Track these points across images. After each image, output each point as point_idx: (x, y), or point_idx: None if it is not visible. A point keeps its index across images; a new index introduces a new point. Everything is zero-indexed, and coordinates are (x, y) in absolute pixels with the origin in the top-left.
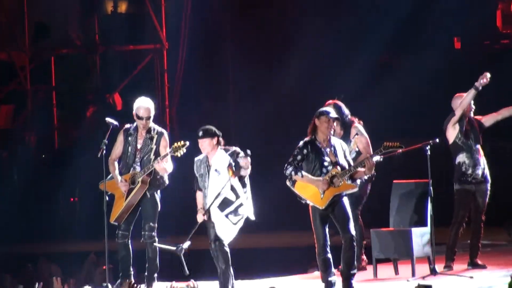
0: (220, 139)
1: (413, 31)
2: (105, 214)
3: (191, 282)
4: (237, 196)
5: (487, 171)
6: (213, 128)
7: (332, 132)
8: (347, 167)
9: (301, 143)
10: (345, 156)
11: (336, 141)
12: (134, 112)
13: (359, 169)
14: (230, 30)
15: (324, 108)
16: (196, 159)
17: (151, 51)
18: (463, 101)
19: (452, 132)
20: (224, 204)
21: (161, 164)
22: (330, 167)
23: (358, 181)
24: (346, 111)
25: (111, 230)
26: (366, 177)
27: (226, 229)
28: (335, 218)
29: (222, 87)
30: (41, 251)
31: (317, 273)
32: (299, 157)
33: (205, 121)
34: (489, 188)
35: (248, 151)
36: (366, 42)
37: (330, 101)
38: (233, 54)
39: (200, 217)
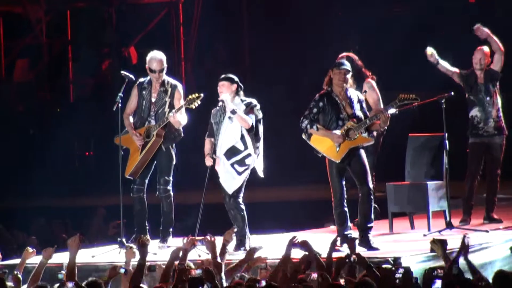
0: (240, 89)
1: None
2: (120, 168)
3: (209, 236)
4: (246, 147)
5: (502, 124)
6: (235, 77)
7: (345, 84)
8: (363, 119)
9: (317, 95)
10: (361, 108)
11: (353, 93)
12: (146, 65)
13: (375, 121)
14: None
15: (339, 60)
16: (214, 109)
17: (167, 4)
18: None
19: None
20: (232, 152)
21: (175, 117)
22: (346, 120)
23: (375, 133)
24: (359, 63)
25: (126, 184)
26: (382, 130)
27: (230, 179)
28: (352, 171)
29: (238, 39)
30: (56, 205)
31: (333, 227)
32: (315, 110)
33: (220, 74)
34: (504, 141)
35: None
36: None
37: (344, 54)
38: (248, 4)
39: (208, 162)
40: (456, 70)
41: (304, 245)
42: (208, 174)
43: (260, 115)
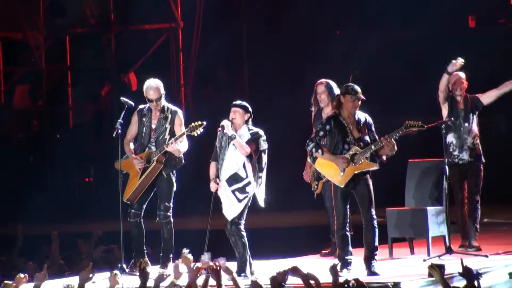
0: (250, 119)
1: (427, 9)
2: (120, 193)
3: (214, 263)
4: (247, 175)
5: (479, 152)
6: (249, 107)
7: (356, 110)
8: (370, 143)
9: (324, 118)
10: (370, 132)
11: (361, 116)
12: (144, 95)
13: (380, 146)
14: (245, 8)
15: (351, 85)
16: (219, 132)
17: (166, 30)
18: (439, 85)
19: (444, 112)
20: (234, 179)
21: (174, 145)
22: (352, 144)
23: (384, 158)
24: (338, 91)
25: (126, 210)
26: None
27: (230, 205)
28: (357, 196)
29: (237, 65)
30: (57, 231)
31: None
32: (321, 133)
33: (220, 99)
34: (481, 168)
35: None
36: (378, 19)
37: (322, 80)
38: (248, 32)
39: (213, 187)
40: (447, 90)
41: (295, 271)
42: (213, 199)
43: (265, 146)
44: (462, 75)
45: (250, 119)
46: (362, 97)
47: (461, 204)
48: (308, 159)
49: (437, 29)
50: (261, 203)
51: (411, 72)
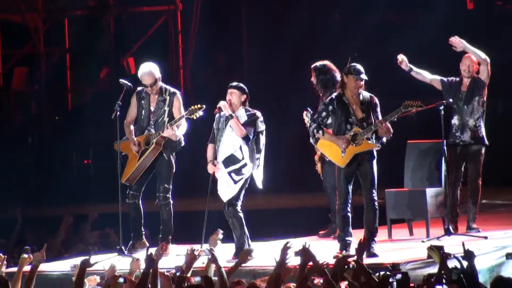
0: (247, 101)
1: None
2: (119, 175)
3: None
4: (243, 156)
5: (480, 134)
6: (246, 88)
7: (359, 90)
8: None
9: (328, 99)
10: (374, 112)
11: (367, 96)
12: (140, 79)
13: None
14: None
15: (354, 65)
16: (218, 115)
17: (165, 12)
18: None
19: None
20: (230, 161)
21: (170, 130)
22: (354, 124)
23: (384, 139)
24: (336, 73)
25: (125, 192)
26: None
27: (226, 187)
28: (360, 175)
29: (236, 47)
30: (56, 213)
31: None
32: (323, 114)
33: (219, 82)
34: (482, 151)
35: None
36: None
37: (320, 62)
38: (247, 13)
39: (210, 168)
40: (436, 77)
41: (305, 252)
42: (211, 180)
43: (263, 127)
44: (473, 57)
45: (247, 101)
46: (365, 77)
47: (454, 186)
48: (311, 140)
49: (436, 11)
50: (259, 184)
51: (410, 55)
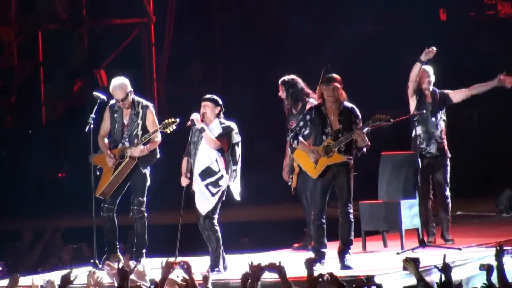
0: (221, 113)
1: (399, 2)
2: (93, 189)
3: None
4: (219, 169)
5: (445, 146)
6: (220, 100)
7: (336, 97)
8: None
9: (307, 109)
10: (352, 125)
11: (347, 108)
12: (111, 94)
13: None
14: (217, 2)
15: (329, 75)
16: (193, 127)
17: (138, 24)
18: (410, 75)
19: (412, 104)
20: (206, 173)
21: (138, 149)
22: (330, 135)
23: (365, 149)
24: (302, 85)
25: (99, 205)
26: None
27: (204, 199)
28: (336, 188)
29: (210, 58)
30: (28, 227)
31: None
32: (301, 124)
33: (193, 93)
34: (448, 162)
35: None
36: (353, 14)
37: (287, 76)
38: (220, 26)
39: (184, 181)
40: (415, 83)
41: (273, 267)
42: (184, 194)
43: (238, 139)
44: (430, 69)
45: (222, 113)
46: (336, 84)
47: (425, 197)
48: (288, 149)
49: (408, 22)
50: (237, 196)
51: (382, 66)
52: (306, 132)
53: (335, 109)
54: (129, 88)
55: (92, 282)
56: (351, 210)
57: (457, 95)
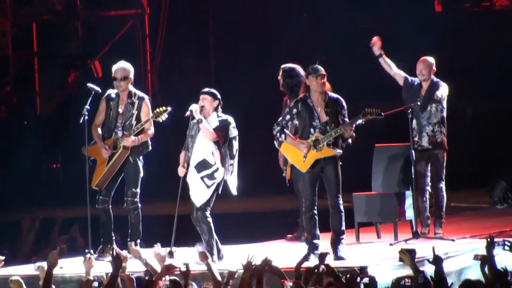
0: (220, 107)
1: None
2: (87, 180)
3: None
4: (215, 161)
5: (438, 140)
6: (218, 94)
7: (323, 88)
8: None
9: (293, 102)
10: (338, 116)
11: (333, 99)
12: (112, 75)
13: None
14: None
15: (311, 66)
16: (191, 121)
17: (132, 16)
18: (387, 71)
19: (404, 94)
20: (202, 166)
21: (130, 139)
22: (318, 128)
23: (350, 140)
24: (302, 78)
25: (93, 196)
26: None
27: (199, 191)
28: (324, 180)
29: (204, 51)
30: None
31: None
32: (287, 117)
33: (187, 85)
34: (443, 155)
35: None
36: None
37: (286, 65)
38: (214, 17)
39: (181, 171)
40: (402, 73)
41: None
42: (181, 184)
43: (235, 133)
44: (430, 59)
45: (220, 107)
46: (324, 72)
47: (420, 190)
48: (275, 143)
49: (404, 13)
50: (234, 191)
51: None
52: (295, 122)
53: (321, 101)
54: (132, 75)
55: (88, 268)
56: (340, 201)
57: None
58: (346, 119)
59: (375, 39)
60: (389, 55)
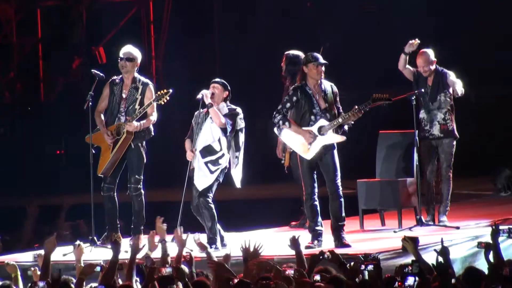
0: (229, 98)
1: None
2: (91, 166)
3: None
4: (221, 148)
5: (449, 128)
6: (228, 86)
7: (322, 77)
8: (336, 114)
9: (291, 89)
10: (335, 102)
11: (327, 85)
12: (119, 56)
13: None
14: None
15: (310, 54)
16: (196, 112)
17: (137, 2)
18: (398, 66)
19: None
20: (207, 151)
21: (132, 125)
22: (319, 115)
23: (346, 127)
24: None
25: (97, 183)
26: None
27: (202, 176)
28: (322, 168)
29: (208, 36)
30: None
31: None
32: (288, 105)
33: (191, 72)
34: (453, 143)
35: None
36: None
37: (290, 52)
38: (219, 3)
39: (189, 155)
40: (411, 68)
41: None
42: (189, 170)
43: (242, 125)
44: (425, 55)
45: (229, 98)
46: (324, 61)
47: (428, 178)
48: (275, 130)
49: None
50: (238, 184)
51: (384, 45)
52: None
53: (318, 88)
54: (139, 60)
55: (78, 255)
56: (340, 187)
57: (455, 87)
58: (339, 105)
59: (416, 41)
60: (393, 41)
